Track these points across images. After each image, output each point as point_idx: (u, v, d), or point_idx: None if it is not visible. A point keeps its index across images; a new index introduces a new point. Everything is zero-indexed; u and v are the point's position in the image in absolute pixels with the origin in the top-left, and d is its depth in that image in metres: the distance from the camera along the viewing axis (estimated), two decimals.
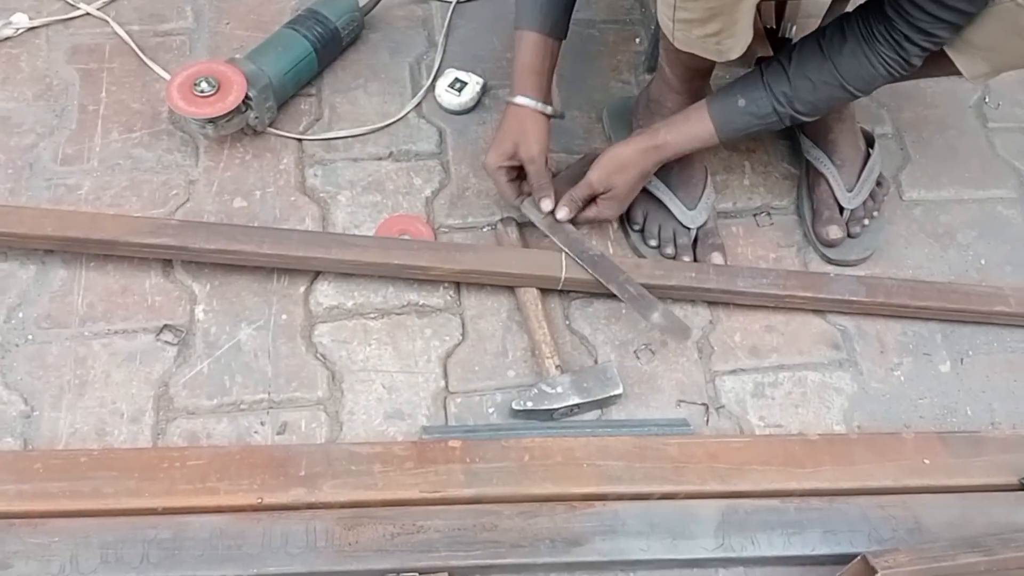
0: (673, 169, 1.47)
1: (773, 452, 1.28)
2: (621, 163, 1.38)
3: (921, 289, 1.47)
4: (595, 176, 1.38)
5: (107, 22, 1.66)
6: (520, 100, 1.37)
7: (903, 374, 1.44)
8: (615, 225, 1.53)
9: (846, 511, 1.23)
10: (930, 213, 1.61)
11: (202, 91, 1.44)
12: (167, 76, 1.58)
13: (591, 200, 1.42)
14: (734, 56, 1.24)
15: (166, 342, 1.35)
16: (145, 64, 1.61)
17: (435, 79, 1.65)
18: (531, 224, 1.45)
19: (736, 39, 1.21)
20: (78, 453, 1.20)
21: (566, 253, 1.40)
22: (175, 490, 1.17)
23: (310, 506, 1.17)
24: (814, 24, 1.51)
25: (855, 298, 1.44)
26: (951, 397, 1.42)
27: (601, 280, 1.37)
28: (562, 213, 1.41)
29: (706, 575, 1.22)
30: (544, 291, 1.41)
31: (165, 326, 1.36)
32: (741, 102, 1.32)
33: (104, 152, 1.52)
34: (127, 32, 1.64)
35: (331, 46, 1.61)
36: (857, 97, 1.32)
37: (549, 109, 1.39)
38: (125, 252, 1.37)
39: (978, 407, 1.42)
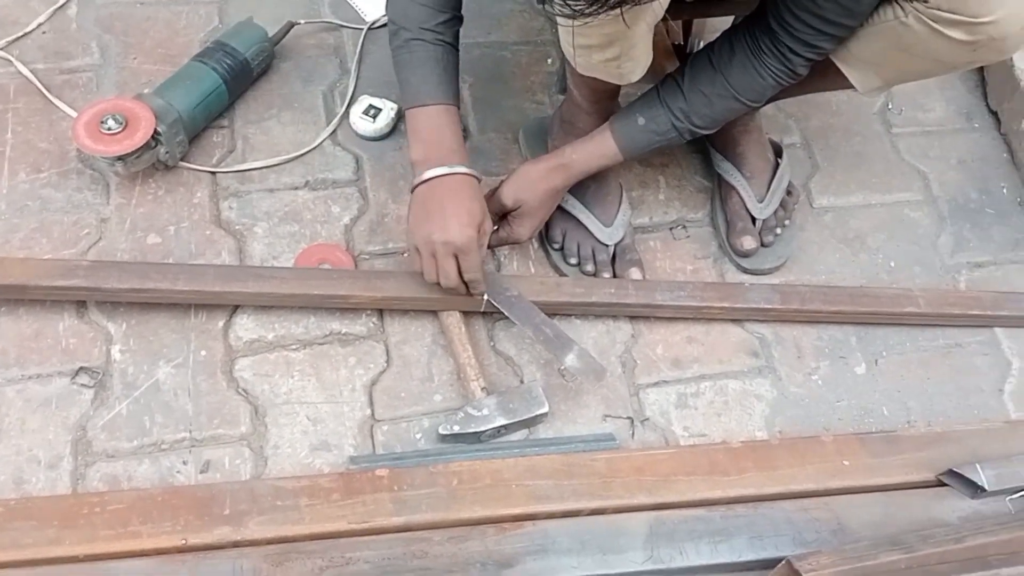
0: (589, 187, 1.49)
1: (697, 462, 1.30)
2: (530, 180, 1.39)
3: (834, 294, 1.50)
4: (505, 191, 1.40)
5: (11, 61, 1.62)
6: (471, 171, 1.32)
7: (820, 378, 1.47)
8: (535, 245, 1.54)
9: (771, 516, 1.25)
10: (840, 219, 1.65)
11: (109, 128, 1.42)
12: (74, 114, 1.55)
13: (502, 217, 1.42)
14: (635, 79, 1.27)
15: (82, 385, 1.32)
16: (51, 103, 1.58)
17: (349, 106, 1.65)
18: None
19: (635, 62, 1.24)
20: None
21: (484, 294, 1.38)
22: (96, 536, 1.14)
23: (236, 544, 1.15)
24: None
25: (771, 306, 1.47)
26: (868, 398, 1.46)
27: (517, 322, 1.38)
28: None
29: None
30: (467, 314, 1.42)
31: (81, 368, 1.33)
32: (641, 120, 1.35)
33: (11, 194, 1.49)
34: (31, 71, 1.61)
35: (241, 77, 1.60)
36: (752, 107, 1.36)
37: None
38: (36, 296, 1.34)
39: (894, 406, 1.45)
